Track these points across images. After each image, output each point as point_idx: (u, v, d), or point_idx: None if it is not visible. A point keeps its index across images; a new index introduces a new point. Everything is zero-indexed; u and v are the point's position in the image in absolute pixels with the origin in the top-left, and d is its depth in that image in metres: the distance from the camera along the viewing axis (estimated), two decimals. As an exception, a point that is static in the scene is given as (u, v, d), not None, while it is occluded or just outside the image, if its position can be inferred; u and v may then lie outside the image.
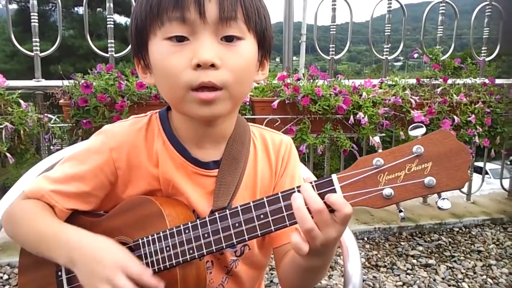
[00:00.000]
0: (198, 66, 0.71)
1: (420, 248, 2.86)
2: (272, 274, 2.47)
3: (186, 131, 0.86)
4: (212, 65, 0.72)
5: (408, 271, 2.58)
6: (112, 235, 0.83)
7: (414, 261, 2.70)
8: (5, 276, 2.44)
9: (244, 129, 0.92)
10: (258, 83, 2.66)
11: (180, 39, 0.73)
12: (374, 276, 2.51)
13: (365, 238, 2.97)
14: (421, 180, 0.62)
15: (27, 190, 0.88)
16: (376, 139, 0.66)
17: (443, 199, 0.62)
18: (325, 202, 0.65)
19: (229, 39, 0.75)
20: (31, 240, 0.85)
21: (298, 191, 0.67)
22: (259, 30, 0.80)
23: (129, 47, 2.88)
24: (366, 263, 2.66)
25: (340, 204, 0.65)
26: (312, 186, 0.67)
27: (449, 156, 0.61)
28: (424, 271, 2.58)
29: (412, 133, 0.63)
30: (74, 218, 0.88)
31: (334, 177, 0.66)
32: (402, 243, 2.93)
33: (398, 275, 2.53)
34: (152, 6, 0.74)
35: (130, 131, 0.88)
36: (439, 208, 0.62)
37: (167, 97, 0.81)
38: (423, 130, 0.63)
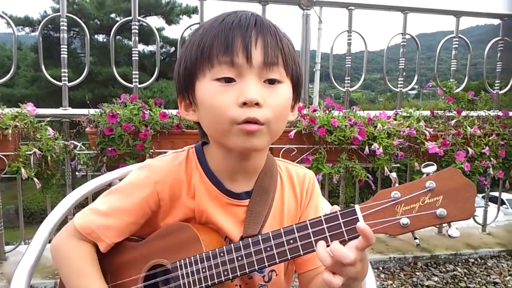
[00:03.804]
0: (244, 104, 0.80)
1: (435, 278, 2.88)
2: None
3: (222, 164, 0.94)
4: (257, 104, 0.80)
5: (423, 301, 2.60)
6: (151, 257, 0.91)
7: (429, 291, 2.71)
8: (28, 298, 2.51)
9: (272, 163, 1.00)
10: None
11: (228, 80, 0.82)
12: (389, 305, 2.53)
13: (380, 268, 2.99)
14: (434, 211, 0.70)
15: (78, 225, 0.95)
16: (393, 175, 0.74)
17: (453, 228, 0.70)
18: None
19: (271, 82, 0.84)
20: None
21: (325, 219, 0.75)
22: (294, 76, 0.89)
23: (153, 77, 3.06)
24: (381, 292, 2.68)
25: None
26: (338, 215, 0.74)
27: (458, 190, 0.70)
28: (439, 301, 2.60)
29: (425, 170, 0.72)
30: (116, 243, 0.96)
31: (357, 207, 0.74)
32: (417, 273, 2.94)
33: (413, 304, 2.55)
34: (204, 51, 0.83)
35: (172, 166, 0.96)
36: (449, 236, 0.71)
37: (211, 131, 0.89)
38: (434, 167, 0.71)
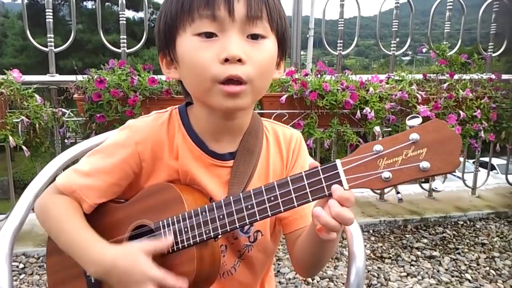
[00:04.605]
0: (226, 60, 0.77)
1: (425, 240, 2.92)
2: (279, 264, 2.53)
3: (205, 125, 0.91)
4: (239, 60, 0.77)
5: (412, 263, 2.64)
6: (134, 218, 0.90)
7: (419, 253, 2.75)
8: (21, 265, 2.52)
9: (258, 123, 0.98)
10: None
11: (209, 35, 0.78)
12: (378, 267, 2.57)
13: (371, 231, 3.03)
14: (417, 164, 0.67)
15: (59, 184, 0.93)
16: (376, 129, 0.73)
17: (437, 181, 0.68)
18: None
19: (254, 37, 0.80)
20: (62, 242, 0.91)
21: (306, 175, 0.74)
22: (279, 31, 0.85)
23: (141, 43, 3.00)
24: (371, 254, 2.72)
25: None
26: (318, 170, 0.73)
27: (442, 142, 0.67)
28: (428, 262, 2.64)
29: (409, 122, 0.69)
30: (99, 204, 0.95)
31: (338, 162, 0.72)
32: (407, 235, 2.98)
33: (403, 266, 2.59)
34: (184, 4, 0.79)
35: (154, 126, 0.93)
36: (433, 190, 0.69)
37: (193, 90, 0.87)
38: (419, 120, 0.69)
